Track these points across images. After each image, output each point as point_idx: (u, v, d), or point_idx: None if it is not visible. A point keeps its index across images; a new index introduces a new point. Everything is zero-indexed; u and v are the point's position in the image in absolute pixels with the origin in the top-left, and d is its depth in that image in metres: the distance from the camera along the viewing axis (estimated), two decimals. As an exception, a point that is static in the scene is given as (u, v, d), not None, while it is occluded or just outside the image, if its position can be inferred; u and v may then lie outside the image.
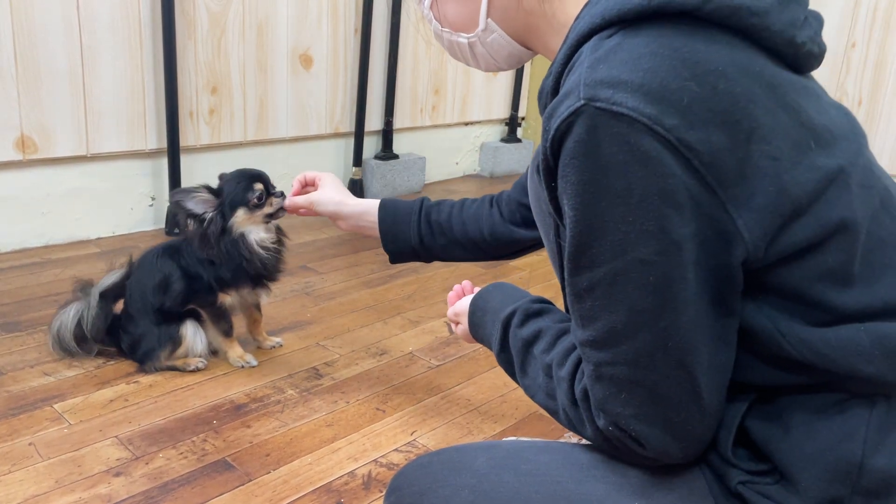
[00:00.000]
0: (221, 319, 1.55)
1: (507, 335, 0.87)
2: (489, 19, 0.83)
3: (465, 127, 3.28)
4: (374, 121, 2.85)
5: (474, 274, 2.17)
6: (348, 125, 2.77)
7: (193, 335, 1.52)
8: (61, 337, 1.51)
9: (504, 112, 3.41)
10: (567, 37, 0.71)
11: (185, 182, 2.34)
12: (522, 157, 3.44)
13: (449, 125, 3.19)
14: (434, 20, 0.89)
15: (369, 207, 1.32)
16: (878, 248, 0.67)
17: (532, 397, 0.82)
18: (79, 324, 1.50)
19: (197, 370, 1.53)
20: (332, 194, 1.35)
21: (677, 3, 0.63)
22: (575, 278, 0.67)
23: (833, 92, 2.84)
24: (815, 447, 0.65)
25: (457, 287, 1.10)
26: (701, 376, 0.64)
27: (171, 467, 1.24)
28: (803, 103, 0.67)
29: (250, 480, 1.22)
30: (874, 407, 0.66)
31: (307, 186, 1.41)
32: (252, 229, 1.48)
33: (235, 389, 1.49)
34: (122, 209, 2.30)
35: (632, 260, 0.62)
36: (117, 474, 1.21)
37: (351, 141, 2.80)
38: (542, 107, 0.73)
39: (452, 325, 1.10)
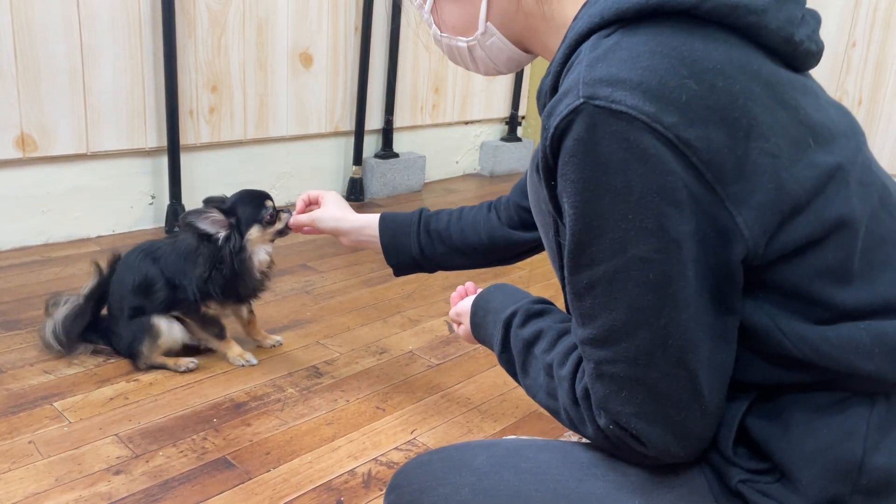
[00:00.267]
0: (209, 325, 1.55)
1: (508, 335, 0.87)
2: (488, 23, 0.83)
3: (465, 126, 3.28)
4: (374, 119, 2.85)
5: (475, 274, 2.17)
6: (348, 124, 2.77)
7: (168, 326, 1.51)
8: (56, 334, 1.52)
9: (504, 111, 3.41)
10: (566, 36, 0.71)
11: (185, 180, 2.34)
12: (522, 157, 3.44)
13: (449, 124, 3.19)
14: (433, 24, 0.89)
15: (369, 221, 1.34)
16: (877, 245, 0.67)
17: (533, 397, 0.82)
18: (63, 323, 1.52)
19: (188, 371, 1.52)
20: (334, 211, 1.37)
21: (675, 1, 0.64)
22: (575, 276, 0.67)
23: (833, 92, 2.83)
24: (816, 446, 0.65)
25: (460, 288, 1.11)
26: (701, 374, 0.64)
27: (171, 465, 1.24)
28: (801, 101, 0.67)
29: (250, 479, 1.22)
30: (874, 405, 0.66)
31: (310, 205, 1.43)
32: (259, 249, 1.50)
33: (235, 388, 1.49)
34: (122, 207, 2.29)
35: (631, 257, 0.63)
36: (117, 472, 1.21)
37: (351, 139, 2.80)
38: (541, 106, 0.74)
39: (455, 326, 1.10)
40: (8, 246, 2.10)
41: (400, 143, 2.98)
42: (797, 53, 0.69)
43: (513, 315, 0.87)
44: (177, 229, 1.50)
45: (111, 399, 1.42)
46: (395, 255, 1.32)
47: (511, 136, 3.44)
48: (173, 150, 2.27)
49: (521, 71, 3.34)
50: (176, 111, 2.24)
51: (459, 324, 1.07)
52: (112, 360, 1.55)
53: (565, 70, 0.69)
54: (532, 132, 3.55)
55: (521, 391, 1.54)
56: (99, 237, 2.25)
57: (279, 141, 2.61)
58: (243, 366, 1.56)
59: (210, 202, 1.48)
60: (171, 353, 1.53)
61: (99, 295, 1.56)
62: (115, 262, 1.57)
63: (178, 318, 1.54)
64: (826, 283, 0.65)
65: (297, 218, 1.41)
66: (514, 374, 0.87)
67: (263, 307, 1.79)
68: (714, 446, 0.70)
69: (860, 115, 2.80)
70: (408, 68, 2.91)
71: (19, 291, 1.84)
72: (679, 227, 0.62)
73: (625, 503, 0.71)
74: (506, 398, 1.52)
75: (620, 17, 0.65)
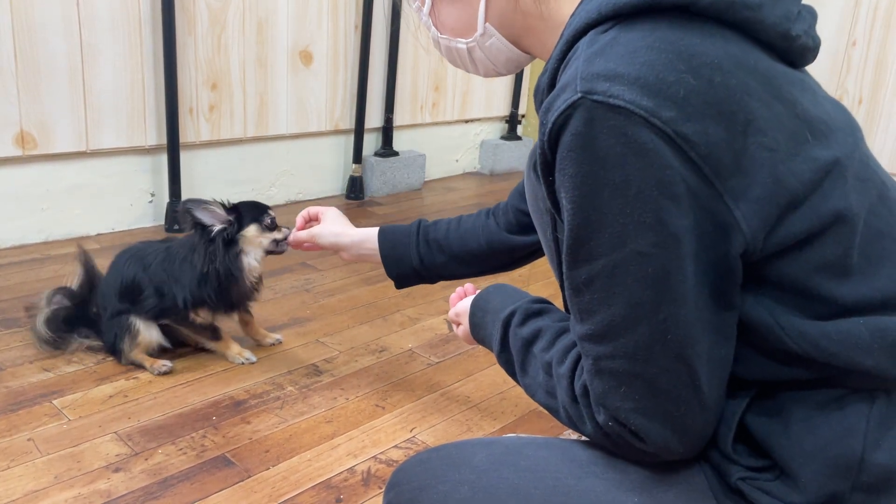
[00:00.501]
0: (201, 330, 1.54)
1: (507, 335, 0.87)
2: (487, 24, 0.83)
3: (465, 124, 3.27)
4: (374, 118, 2.85)
5: (474, 271, 2.17)
6: (348, 122, 2.77)
7: (146, 326, 1.50)
8: (46, 328, 1.53)
9: (504, 109, 3.40)
10: (563, 33, 0.71)
11: (185, 178, 2.34)
12: (522, 155, 3.44)
13: (449, 122, 3.19)
14: (432, 26, 0.89)
15: (368, 235, 1.34)
16: (876, 239, 0.67)
17: (532, 396, 0.82)
18: (52, 319, 1.53)
19: (162, 374, 1.49)
20: (333, 227, 1.38)
21: None
22: (573, 272, 0.67)
23: (833, 90, 2.83)
24: (816, 443, 0.65)
25: (459, 289, 1.12)
26: (700, 369, 0.64)
27: (170, 463, 1.24)
28: (799, 96, 0.67)
29: (249, 476, 1.22)
30: (874, 402, 0.66)
31: (310, 221, 1.44)
32: (252, 251, 1.49)
33: (235, 386, 1.49)
34: (122, 205, 2.29)
35: (630, 252, 0.63)
36: (117, 470, 1.21)
37: (351, 138, 2.80)
38: (538, 103, 0.74)
39: (454, 326, 1.10)
40: (8, 244, 2.10)
41: (400, 141, 2.98)
42: (794, 49, 0.69)
43: (511, 314, 0.87)
44: (175, 213, 1.48)
45: (111, 397, 1.42)
46: (395, 267, 1.33)
47: (511, 134, 3.44)
48: (173, 148, 2.27)
49: (522, 70, 3.33)
50: (176, 109, 2.24)
51: (458, 324, 1.08)
52: (111, 358, 1.55)
53: (562, 66, 0.69)
54: (532, 131, 3.54)
55: (520, 390, 1.53)
56: (99, 235, 2.25)
57: (279, 139, 2.61)
58: (243, 363, 1.56)
59: (216, 202, 1.48)
60: (151, 353, 1.52)
61: (85, 293, 1.57)
62: (88, 262, 1.57)
63: (167, 325, 1.53)
64: (825, 278, 0.65)
65: (296, 234, 1.42)
66: (513, 374, 0.87)
67: (263, 305, 1.79)
68: (713, 444, 0.70)
69: (860, 115, 2.80)
70: (408, 66, 2.91)
71: (19, 289, 1.84)
72: (677, 222, 0.62)
73: (624, 501, 0.71)
74: (505, 396, 1.52)
75: (617, 13, 0.66)
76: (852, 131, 0.71)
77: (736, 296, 0.66)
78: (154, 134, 2.28)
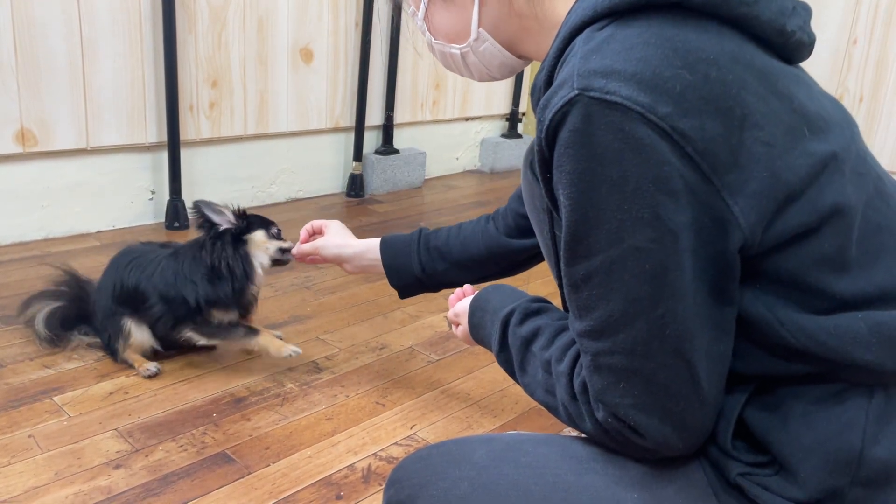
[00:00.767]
0: (228, 331, 1.48)
1: (506, 334, 0.87)
2: (481, 29, 0.84)
3: (465, 122, 3.27)
4: (374, 115, 2.84)
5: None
6: (349, 120, 2.77)
7: (137, 328, 1.48)
8: (45, 328, 1.54)
9: (505, 107, 3.40)
10: (559, 31, 0.71)
11: (185, 176, 2.34)
12: (523, 153, 3.43)
13: (449, 120, 3.19)
14: (427, 32, 0.89)
15: (370, 246, 1.36)
16: (874, 233, 0.67)
17: (532, 395, 0.82)
18: (51, 317, 1.53)
19: (147, 377, 1.47)
20: (336, 239, 1.40)
21: None
22: (572, 268, 0.67)
23: (834, 89, 2.83)
24: (815, 438, 0.65)
25: (458, 290, 1.12)
26: (699, 365, 0.65)
27: (170, 460, 1.24)
28: (795, 91, 0.68)
29: (250, 473, 1.22)
30: (873, 397, 0.66)
31: (314, 234, 1.45)
32: (259, 255, 1.48)
33: (235, 383, 1.49)
34: (122, 203, 2.29)
35: (628, 248, 0.63)
36: (117, 467, 1.21)
37: (351, 135, 2.80)
38: (535, 101, 0.74)
39: (453, 327, 1.10)
40: (8, 241, 2.10)
41: (400, 139, 2.97)
42: (789, 44, 0.70)
43: (510, 314, 0.88)
44: (191, 209, 1.46)
45: (111, 394, 1.42)
46: (397, 277, 1.34)
47: (511, 132, 3.43)
48: (173, 145, 2.27)
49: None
50: (176, 106, 2.24)
51: (458, 325, 1.08)
52: (115, 354, 1.55)
53: (559, 64, 0.69)
54: (532, 129, 3.54)
55: (520, 388, 1.54)
56: (99, 232, 2.25)
57: (279, 137, 2.61)
58: (291, 356, 1.48)
59: (227, 207, 1.47)
60: (144, 353, 1.51)
61: (78, 294, 1.57)
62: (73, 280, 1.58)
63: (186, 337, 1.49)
64: (823, 272, 0.65)
65: (300, 247, 1.43)
66: (512, 374, 0.88)
67: (263, 303, 1.79)
68: (712, 440, 0.70)
69: (861, 113, 2.80)
70: (408, 64, 2.91)
71: (19, 286, 1.84)
72: (675, 217, 0.62)
73: (623, 497, 0.71)
74: (505, 394, 1.52)
75: (613, 10, 0.66)
76: (849, 126, 0.71)
77: (734, 291, 0.66)
78: (154, 131, 2.27)
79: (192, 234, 2.28)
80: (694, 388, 0.65)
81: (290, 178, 2.69)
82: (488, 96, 3.29)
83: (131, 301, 1.47)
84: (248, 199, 2.58)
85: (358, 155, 2.80)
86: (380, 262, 1.34)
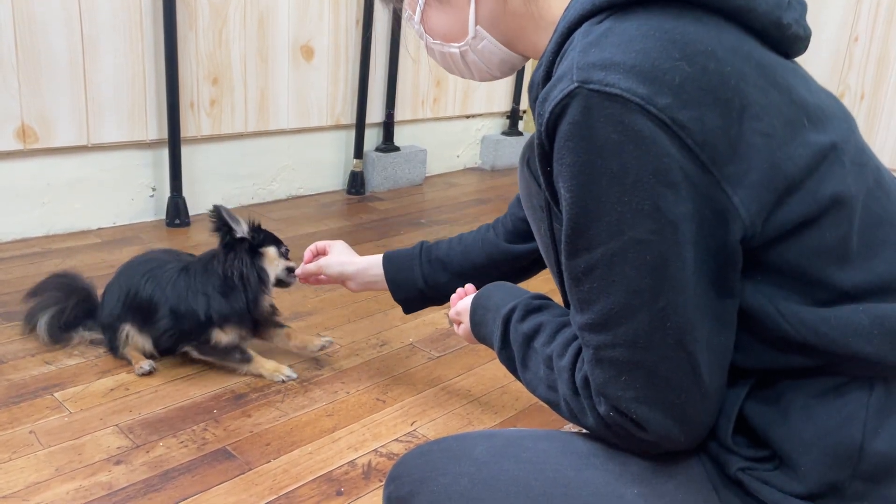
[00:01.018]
0: (227, 354, 1.47)
1: (507, 331, 0.87)
2: (478, 26, 0.84)
3: (466, 119, 3.27)
4: (375, 113, 2.84)
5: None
6: (349, 117, 2.77)
7: (139, 335, 1.48)
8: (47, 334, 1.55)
9: (505, 105, 3.40)
10: (557, 26, 0.72)
11: (186, 173, 2.34)
12: (523, 151, 3.44)
13: (450, 118, 3.19)
14: (425, 34, 0.89)
15: (373, 262, 1.37)
16: (875, 225, 0.68)
17: (533, 391, 0.82)
18: (56, 317, 1.54)
19: (142, 374, 1.46)
20: (339, 257, 1.41)
21: None
22: (572, 261, 0.67)
23: (835, 87, 2.83)
24: (815, 432, 0.65)
25: (459, 289, 1.12)
26: (700, 357, 0.65)
27: (171, 456, 1.24)
28: (793, 83, 0.68)
29: (250, 469, 1.22)
30: (873, 390, 0.66)
31: (318, 255, 1.46)
32: (271, 271, 1.47)
33: (236, 379, 1.49)
34: (123, 200, 2.29)
35: (628, 240, 0.63)
36: (118, 462, 1.21)
37: (352, 133, 2.80)
38: (533, 97, 0.74)
39: (455, 326, 1.10)
40: (9, 237, 2.10)
41: (401, 136, 2.97)
42: (785, 37, 0.70)
43: (512, 311, 0.88)
44: (210, 213, 1.44)
45: (112, 390, 1.42)
46: (401, 291, 1.35)
47: (512, 129, 3.43)
48: (174, 142, 2.27)
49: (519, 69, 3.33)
50: (177, 103, 2.24)
51: (459, 323, 1.08)
52: (115, 352, 1.55)
53: (558, 59, 0.70)
54: (533, 126, 3.54)
55: (521, 384, 1.54)
56: (100, 229, 2.25)
57: (280, 134, 2.61)
58: (284, 381, 1.48)
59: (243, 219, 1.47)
60: (144, 353, 1.50)
61: (79, 292, 1.58)
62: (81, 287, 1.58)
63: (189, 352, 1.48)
64: (825, 264, 0.65)
65: (305, 267, 1.44)
66: (514, 371, 0.88)
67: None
68: (712, 435, 0.70)
69: (862, 111, 2.79)
70: (409, 62, 2.90)
71: (20, 283, 1.84)
72: (675, 209, 0.62)
73: (624, 492, 0.71)
74: (506, 391, 1.52)
75: (612, 4, 0.66)
76: (846, 119, 0.72)
77: (736, 283, 0.66)
78: (155, 128, 2.27)
79: (194, 231, 2.29)
80: (695, 381, 0.65)
81: (290, 176, 2.69)
82: (489, 94, 3.29)
83: (141, 312, 1.46)
84: (249, 196, 2.58)
85: (359, 152, 2.80)
86: (383, 278, 1.35)
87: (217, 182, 2.48)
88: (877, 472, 0.65)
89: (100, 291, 1.58)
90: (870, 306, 0.65)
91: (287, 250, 1.51)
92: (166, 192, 2.33)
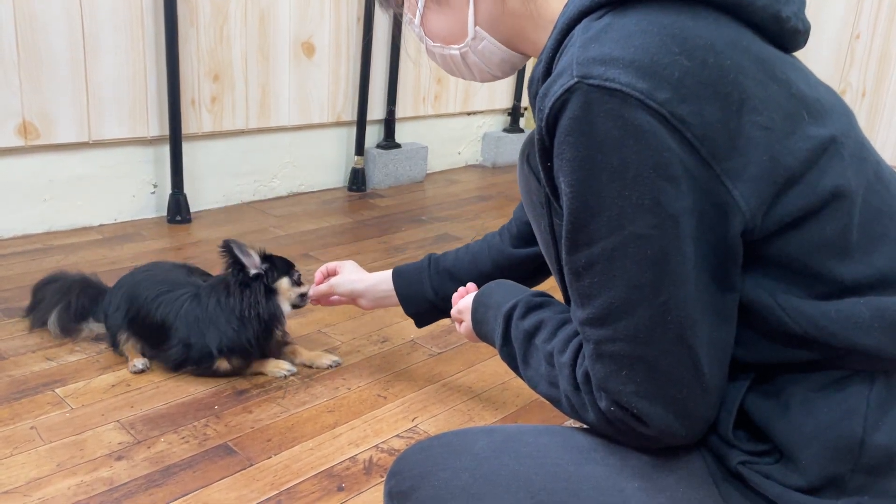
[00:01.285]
0: (226, 376, 1.47)
1: (509, 328, 0.87)
2: (477, 27, 0.84)
3: (467, 116, 3.27)
4: (376, 110, 2.84)
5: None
6: (350, 114, 2.77)
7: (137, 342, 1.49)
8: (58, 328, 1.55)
9: (507, 102, 3.40)
10: (556, 23, 0.72)
11: (187, 170, 2.34)
12: (525, 148, 3.44)
13: (451, 115, 3.19)
14: (425, 37, 0.89)
15: (383, 277, 1.38)
16: (875, 218, 0.68)
17: (535, 388, 0.82)
18: (65, 311, 1.55)
19: (135, 372, 1.46)
20: (350, 275, 1.42)
21: None
22: (573, 256, 0.67)
23: (837, 84, 2.83)
24: (816, 425, 0.65)
25: (461, 288, 1.12)
26: (701, 351, 0.65)
27: (172, 451, 1.24)
28: (793, 76, 0.68)
29: (251, 465, 1.22)
30: (874, 384, 0.66)
31: (328, 277, 1.46)
32: (284, 302, 1.47)
33: (241, 370, 1.49)
34: (125, 196, 2.30)
35: (629, 235, 0.63)
36: (119, 458, 1.22)
37: (353, 130, 2.80)
38: (533, 93, 0.74)
39: (456, 324, 1.10)
40: (10, 234, 2.11)
41: (402, 133, 2.97)
42: (785, 31, 0.70)
43: (513, 308, 0.88)
44: (221, 249, 1.43)
45: (113, 386, 1.42)
46: (412, 305, 1.35)
47: (513, 126, 3.43)
48: (175, 139, 2.27)
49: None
50: (178, 100, 2.24)
51: (461, 321, 1.08)
52: (115, 348, 1.55)
53: (558, 55, 0.70)
54: (534, 123, 3.54)
55: (522, 380, 1.54)
56: (101, 226, 2.26)
57: (281, 130, 2.61)
58: (285, 376, 1.49)
59: (253, 248, 1.45)
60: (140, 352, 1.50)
61: (85, 287, 1.58)
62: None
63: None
64: (825, 257, 0.65)
65: (316, 289, 1.45)
66: (515, 368, 0.88)
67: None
68: (713, 429, 0.70)
69: (863, 108, 2.79)
70: (409, 56, 2.90)
71: (21, 279, 1.84)
72: (675, 203, 0.62)
73: (624, 486, 0.71)
74: (507, 387, 1.52)
75: (611, 0, 0.66)
76: (846, 113, 0.72)
77: (736, 277, 0.66)
78: (156, 125, 2.28)
79: (195, 228, 2.29)
80: (696, 375, 0.65)
81: (292, 173, 2.69)
82: (490, 91, 3.29)
83: (151, 335, 1.46)
84: (251, 193, 2.58)
85: (360, 149, 2.80)
86: (393, 293, 1.36)
87: (218, 179, 2.49)
88: (878, 465, 0.65)
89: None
90: (870, 300, 0.65)
91: (299, 275, 1.50)
92: (167, 189, 2.33)
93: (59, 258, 1.99)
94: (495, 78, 0.92)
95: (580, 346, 0.74)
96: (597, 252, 0.65)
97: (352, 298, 1.43)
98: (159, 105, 2.26)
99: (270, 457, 1.25)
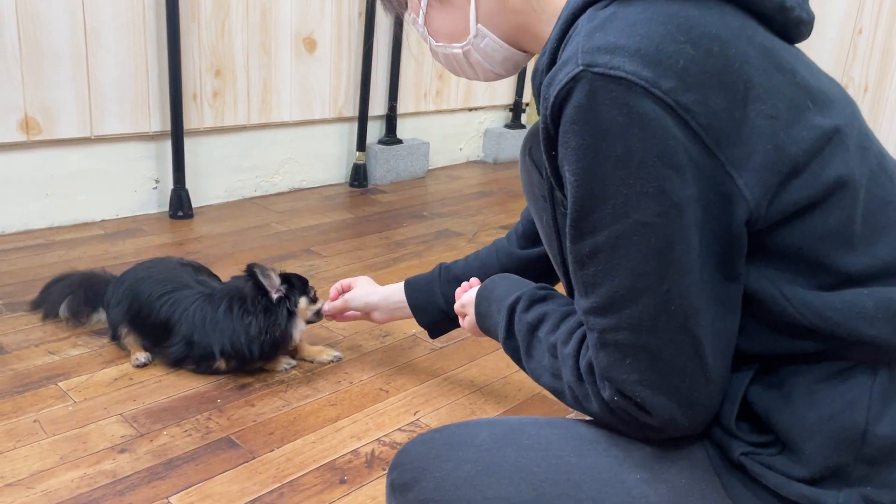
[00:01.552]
0: (219, 372, 1.48)
1: (512, 321, 0.88)
2: (479, 24, 0.84)
3: (468, 112, 3.27)
4: (377, 105, 2.84)
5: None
6: (352, 109, 2.77)
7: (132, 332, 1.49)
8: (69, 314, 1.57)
9: (508, 98, 3.40)
10: (560, 14, 0.72)
11: (189, 165, 2.34)
12: (526, 144, 3.44)
13: (453, 110, 3.19)
14: (429, 36, 0.90)
15: (395, 289, 1.39)
16: (879, 208, 0.68)
17: (538, 381, 0.82)
18: (72, 300, 1.57)
19: (138, 366, 1.46)
20: (363, 289, 1.44)
21: None
22: (577, 245, 0.67)
23: (839, 79, 2.82)
24: (819, 416, 0.65)
25: (464, 283, 1.12)
26: (705, 341, 0.65)
27: (175, 444, 1.24)
28: (797, 66, 0.68)
29: (254, 458, 1.22)
30: (877, 375, 0.66)
31: (344, 293, 1.48)
32: (300, 323, 1.47)
33: (239, 369, 1.49)
34: (126, 191, 2.30)
35: (633, 223, 0.63)
36: (122, 451, 1.22)
37: (354, 125, 2.80)
38: (536, 85, 0.74)
39: (460, 318, 1.11)
40: (12, 229, 2.11)
41: (403, 129, 2.97)
42: (789, 21, 0.70)
43: (517, 301, 0.88)
44: (245, 273, 1.43)
45: (116, 379, 1.43)
46: (425, 315, 1.36)
47: (515, 122, 3.43)
48: (177, 134, 2.27)
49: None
50: (179, 95, 2.24)
51: (464, 315, 1.08)
52: (116, 341, 1.55)
53: (562, 45, 0.70)
54: (535, 119, 3.54)
55: (524, 374, 1.54)
56: (103, 221, 2.26)
57: (282, 126, 2.61)
58: (286, 370, 1.50)
59: (274, 270, 1.45)
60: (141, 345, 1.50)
61: (91, 279, 1.60)
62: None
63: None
64: (829, 247, 0.65)
65: (332, 304, 1.46)
66: (518, 361, 0.88)
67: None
68: (716, 420, 0.70)
69: (866, 103, 2.79)
70: (412, 54, 2.90)
71: (24, 274, 1.84)
72: (680, 192, 0.62)
73: (626, 477, 0.71)
74: (509, 381, 1.52)
75: None
76: (849, 103, 0.72)
77: (741, 266, 0.66)
78: (158, 120, 2.28)
79: (196, 223, 2.30)
80: (700, 364, 0.65)
81: (293, 168, 2.69)
82: (492, 87, 3.29)
83: (154, 333, 1.46)
84: (252, 188, 2.58)
85: (361, 145, 2.80)
86: (406, 304, 1.37)
87: (220, 174, 2.49)
88: (880, 455, 0.65)
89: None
90: (874, 290, 0.65)
91: (314, 292, 1.50)
92: (169, 185, 2.34)
93: (61, 253, 1.99)
94: (499, 77, 0.92)
95: (584, 337, 0.74)
96: (601, 240, 0.65)
97: (366, 312, 1.44)
98: (161, 100, 2.26)
99: (273, 450, 1.25)
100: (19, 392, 1.36)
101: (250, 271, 1.42)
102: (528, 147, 1.04)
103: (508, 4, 0.81)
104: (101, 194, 2.24)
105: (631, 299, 0.65)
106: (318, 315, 1.51)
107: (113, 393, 1.38)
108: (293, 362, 1.51)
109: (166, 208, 2.36)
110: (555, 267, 1.07)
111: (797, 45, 0.75)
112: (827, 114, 0.67)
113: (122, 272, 1.55)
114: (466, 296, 1.07)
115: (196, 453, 1.22)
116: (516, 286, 0.93)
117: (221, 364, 1.44)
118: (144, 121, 2.25)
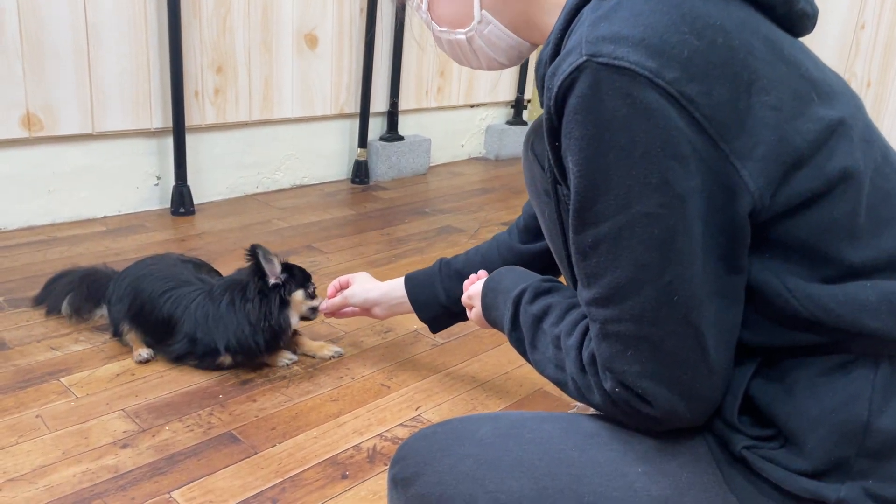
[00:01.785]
0: (222, 368, 1.47)
1: (517, 313, 0.88)
2: (483, 10, 0.84)
3: (470, 109, 3.27)
4: (379, 102, 2.84)
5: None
6: (353, 106, 2.77)
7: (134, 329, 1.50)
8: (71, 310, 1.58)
9: (510, 94, 3.40)
10: (565, 4, 0.72)
11: (190, 162, 2.34)
12: (528, 140, 3.43)
13: (454, 107, 3.18)
14: (432, 22, 0.89)
15: (395, 285, 1.39)
16: (883, 201, 0.68)
17: (542, 372, 0.82)
18: (74, 296, 1.58)
19: (140, 362, 1.46)
20: (363, 286, 1.43)
21: None
22: (580, 236, 0.67)
23: (842, 74, 2.81)
24: (821, 409, 0.65)
25: (472, 275, 1.12)
26: (707, 332, 0.65)
27: (177, 440, 1.24)
28: (802, 58, 0.68)
29: (256, 453, 1.22)
30: (878, 368, 0.66)
31: (341, 290, 1.47)
32: (294, 315, 1.47)
33: (241, 365, 1.49)
34: (128, 188, 2.30)
35: (636, 214, 0.63)
36: (124, 446, 1.22)
37: (356, 122, 2.79)
38: (540, 76, 0.74)
39: (467, 310, 1.11)
40: (14, 225, 2.11)
41: (405, 125, 2.97)
42: (793, 14, 0.70)
43: (522, 292, 0.88)
44: (247, 253, 1.43)
45: (118, 375, 1.43)
46: (426, 310, 1.35)
47: (517, 119, 3.43)
48: (178, 131, 2.27)
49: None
50: (181, 92, 2.24)
51: (471, 307, 1.08)
52: (118, 337, 1.55)
53: (566, 35, 0.70)
54: (537, 116, 3.54)
55: (525, 370, 1.55)
56: (105, 217, 2.26)
57: (284, 123, 2.61)
58: (287, 365, 1.50)
59: (278, 257, 1.45)
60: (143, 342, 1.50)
61: (93, 275, 1.60)
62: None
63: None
64: (833, 239, 0.65)
65: (330, 302, 1.46)
66: (523, 352, 0.88)
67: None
68: (718, 413, 0.70)
69: (868, 98, 2.78)
70: (413, 50, 2.90)
71: (26, 270, 1.85)
72: (683, 182, 0.62)
73: (628, 471, 0.71)
74: (510, 376, 1.52)
75: None
76: (853, 97, 0.72)
77: (744, 258, 0.66)
78: (159, 117, 2.28)
79: (198, 220, 2.30)
80: (702, 356, 0.65)
81: (295, 165, 2.69)
82: (493, 83, 3.29)
83: (156, 330, 1.46)
84: (254, 185, 2.58)
85: (363, 141, 2.80)
86: (406, 299, 1.36)
87: (221, 171, 2.49)
88: (882, 449, 0.65)
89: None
90: (878, 283, 0.65)
91: (314, 288, 1.50)
92: (171, 181, 2.34)
93: (63, 249, 1.99)
94: (502, 66, 0.91)
95: (587, 329, 0.74)
96: (604, 231, 0.65)
97: (366, 308, 1.43)
98: (163, 97, 2.26)
99: (275, 445, 1.25)
100: (21, 387, 1.36)
101: (253, 252, 1.42)
102: (531, 141, 1.04)
103: None
104: (102, 191, 2.24)
105: (633, 290, 0.65)
106: (315, 312, 1.51)
107: (115, 388, 1.38)
108: (295, 358, 1.51)
109: (168, 205, 2.36)
110: (557, 262, 1.07)
111: (800, 40, 0.75)
112: (831, 106, 0.67)
113: (124, 268, 1.55)
114: (473, 287, 1.07)
115: (198, 448, 1.23)
116: (523, 278, 0.93)
117: (226, 359, 1.44)
118: (146, 117, 2.25)
